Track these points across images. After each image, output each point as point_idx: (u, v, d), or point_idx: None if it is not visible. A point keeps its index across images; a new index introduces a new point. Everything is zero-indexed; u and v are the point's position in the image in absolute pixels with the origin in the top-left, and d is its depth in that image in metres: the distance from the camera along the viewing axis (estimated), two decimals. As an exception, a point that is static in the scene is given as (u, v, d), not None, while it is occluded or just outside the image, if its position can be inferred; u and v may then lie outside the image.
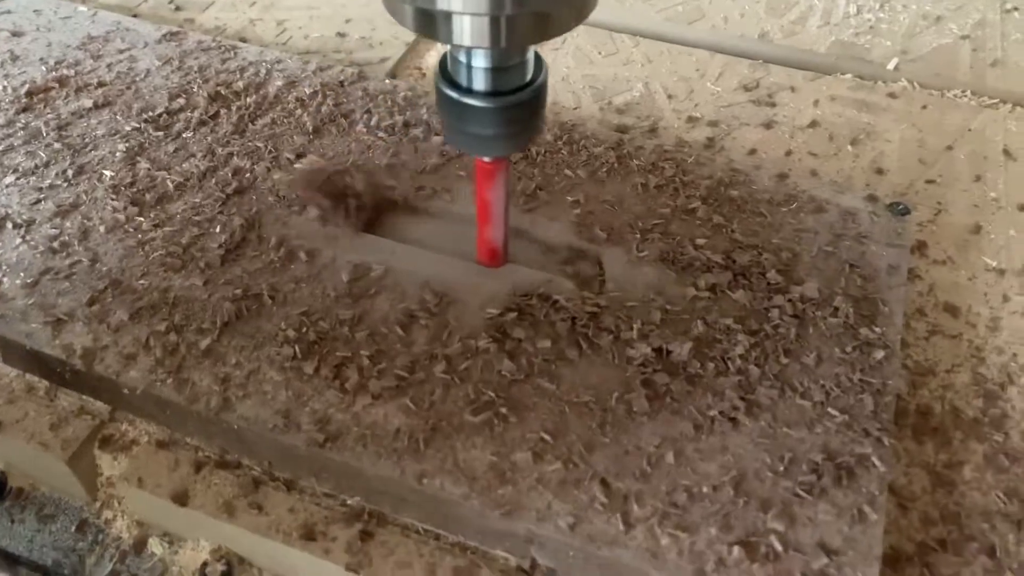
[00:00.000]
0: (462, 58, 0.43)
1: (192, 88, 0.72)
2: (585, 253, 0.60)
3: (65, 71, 0.73)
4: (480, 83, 0.44)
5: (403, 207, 0.64)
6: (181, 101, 0.70)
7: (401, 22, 0.40)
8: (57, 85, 0.72)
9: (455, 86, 0.44)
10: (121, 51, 0.76)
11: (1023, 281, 0.63)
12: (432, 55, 0.85)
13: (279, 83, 0.72)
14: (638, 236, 0.59)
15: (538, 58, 0.45)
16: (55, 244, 0.59)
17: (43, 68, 0.74)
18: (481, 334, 0.53)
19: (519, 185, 0.63)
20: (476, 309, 0.55)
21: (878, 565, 0.44)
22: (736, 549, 0.44)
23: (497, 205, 0.52)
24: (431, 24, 0.39)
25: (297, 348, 0.52)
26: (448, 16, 0.37)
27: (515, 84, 0.44)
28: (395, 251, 0.58)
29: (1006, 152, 0.74)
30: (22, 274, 0.57)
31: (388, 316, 0.54)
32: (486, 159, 0.49)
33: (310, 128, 0.68)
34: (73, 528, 0.55)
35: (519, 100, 0.44)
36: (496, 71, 0.43)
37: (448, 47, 0.44)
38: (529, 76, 0.45)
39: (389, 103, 0.71)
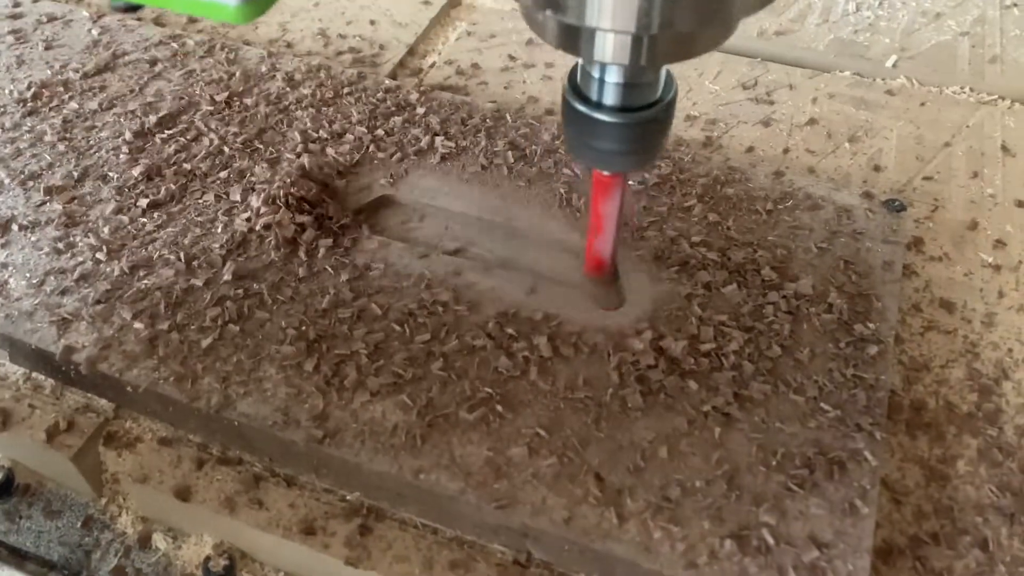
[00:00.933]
0: (595, 72, 0.43)
1: (194, 90, 0.73)
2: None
3: (71, 75, 0.74)
4: (611, 98, 0.43)
5: (400, 206, 0.64)
6: (183, 103, 0.71)
7: (541, 36, 0.40)
8: (62, 88, 0.73)
9: (584, 99, 0.44)
10: (125, 54, 0.77)
11: (1018, 277, 0.63)
12: (431, 57, 0.86)
13: (280, 84, 0.73)
14: (634, 233, 0.60)
15: (669, 75, 0.45)
16: (60, 245, 0.60)
17: (48, 71, 0.75)
18: (478, 332, 0.54)
19: (517, 182, 0.64)
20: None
21: (868, 558, 0.45)
22: (728, 542, 0.45)
23: (610, 219, 0.52)
24: (573, 40, 0.39)
25: (297, 346, 0.53)
26: (592, 33, 0.38)
27: (646, 101, 0.44)
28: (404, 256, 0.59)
29: (1004, 148, 0.74)
30: (28, 274, 0.58)
31: (387, 315, 0.55)
32: (605, 172, 0.49)
33: (310, 129, 0.69)
34: (79, 524, 0.56)
35: (648, 117, 0.44)
36: (629, 87, 0.43)
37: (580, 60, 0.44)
38: (659, 93, 0.44)
39: (389, 104, 0.71)
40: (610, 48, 0.38)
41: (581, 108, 0.44)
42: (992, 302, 0.62)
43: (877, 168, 0.72)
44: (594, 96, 0.44)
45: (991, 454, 0.53)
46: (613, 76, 0.42)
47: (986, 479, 0.52)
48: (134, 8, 0.39)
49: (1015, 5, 0.89)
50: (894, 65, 0.82)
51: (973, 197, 0.70)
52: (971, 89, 0.80)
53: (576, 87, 0.45)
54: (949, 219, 0.68)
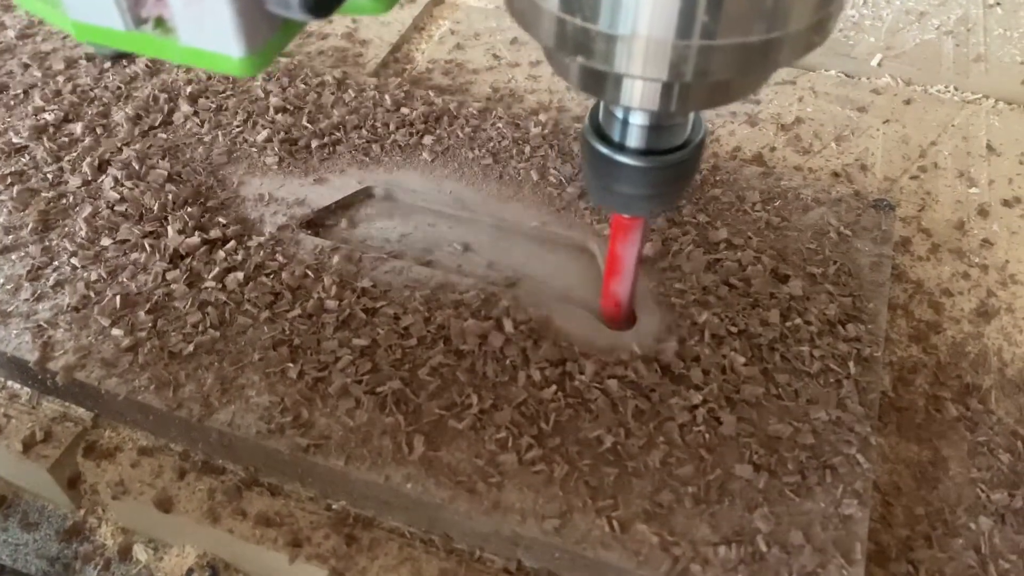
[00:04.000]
0: (619, 113, 0.40)
1: (175, 92, 0.71)
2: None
3: (43, 74, 0.73)
4: (636, 140, 0.40)
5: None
6: (164, 104, 0.70)
7: (563, 77, 0.37)
8: (37, 97, 0.71)
9: (606, 140, 0.41)
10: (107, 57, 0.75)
11: (1006, 276, 0.63)
12: (417, 55, 0.85)
13: (259, 83, 0.72)
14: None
15: (698, 115, 0.41)
16: (37, 251, 0.58)
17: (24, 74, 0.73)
18: (466, 337, 0.53)
19: (505, 182, 0.63)
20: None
21: (863, 563, 0.44)
22: (722, 549, 0.44)
23: (628, 261, 0.49)
24: (599, 83, 0.36)
25: (280, 352, 0.52)
26: (619, 79, 0.35)
27: (674, 143, 0.40)
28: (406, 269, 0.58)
29: (989, 147, 0.74)
30: (1, 280, 0.56)
31: (373, 320, 0.54)
32: (626, 215, 0.46)
33: (292, 130, 0.67)
34: (57, 536, 0.54)
35: (675, 160, 0.40)
36: (656, 129, 0.40)
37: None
38: (688, 135, 0.41)
39: (371, 104, 0.70)
40: (638, 94, 0.35)
41: (603, 150, 0.41)
42: (980, 302, 0.62)
43: (864, 168, 0.72)
44: (616, 137, 0.40)
45: (981, 455, 0.53)
46: (639, 119, 0.39)
47: (977, 480, 0.52)
48: (123, 56, 0.37)
49: (998, 4, 0.90)
50: (879, 64, 0.82)
51: (960, 197, 0.70)
52: (956, 88, 0.81)
53: (597, 127, 0.41)
54: (936, 219, 0.68)
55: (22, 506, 0.56)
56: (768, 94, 0.79)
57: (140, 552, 0.53)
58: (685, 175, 0.42)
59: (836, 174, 0.72)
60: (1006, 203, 0.69)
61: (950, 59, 0.83)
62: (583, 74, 0.36)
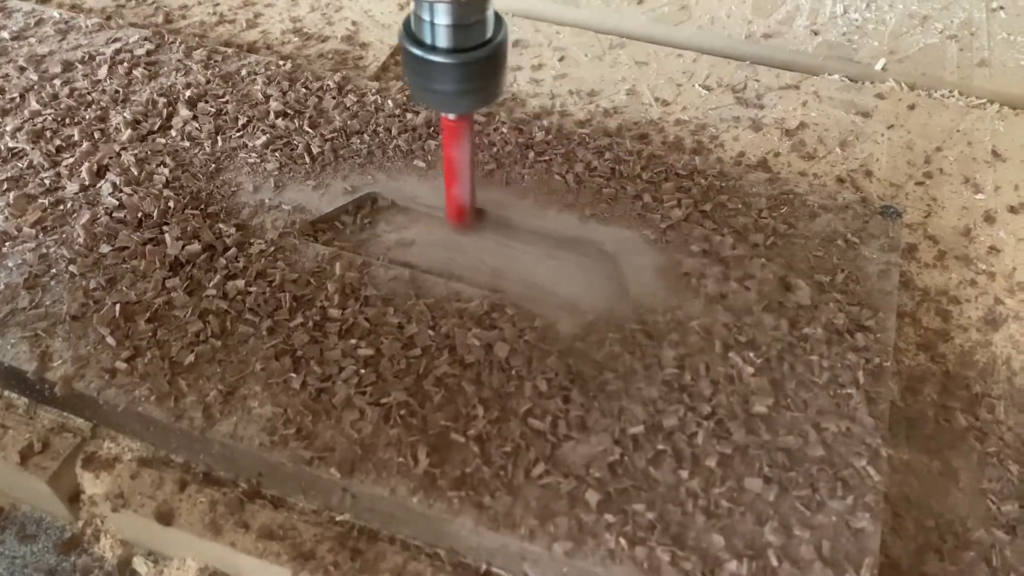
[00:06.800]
0: (425, 16, 0.46)
1: (173, 96, 0.70)
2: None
3: (39, 77, 0.72)
4: (443, 40, 0.46)
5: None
6: (163, 109, 0.69)
7: None
8: (31, 93, 0.70)
9: (419, 44, 0.47)
10: (104, 56, 0.74)
11: (1014, 284, 0.63)
12: (417, 58, 0.84)
13: (259, 87, 0.71)
14: (630, 244, 0.59)
15: (498, 17, 0.48)
16: (35, 258, 0.57)
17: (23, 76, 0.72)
18: (471, 348, 0.52)
19: (511, 187, 0.63)
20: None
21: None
22: (733, 563, 0.44)
23: (462, 163, 0.54)
24: None
25: (283, 362, 0.51)
26: None
27: (476, 41, 0.47)
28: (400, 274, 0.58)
29: (995, 153, 0.73)
30: (1, 288, 0.55)
31: (377, 329, 0.53)
32: (451, 117, 0.52)
33: (292, 135, 0.67)
34: (55, 549, 0.53)
35: (480, 56, 0.47)
36: (457, 28, 0.46)
37: (412, 6, 0.47)
38: (489, 34, 0.47)
39: (372, 109, 0.69)
40: None
41: (416, 52, 0.47)
42: (988, 309, 0.61)
43: (869, 173, 0.72)
44: (428, 40, 0.47)
45: (991, 466, 0.52)
46: (442, 18, 0.45)
47: (987, 491, 0.51)
48: None
49: (1001, 8, 0.89)
50: (883, 68, 0.82)
51: (966, 203, 0.69)
52: (960, 93, 0.80)
53: (411, 33, 0.48)
54: (943, 225, 0.67)
55: (19, 518, 0.55)
56: (772, 99, 0.78)
57: (140, 565, 0.52)
58: (492, 71, 0.48)
59: (841, 180, 0.71)
60: (1012, 209, 0.69)
61: (954, 63, 0.82)
62: None
